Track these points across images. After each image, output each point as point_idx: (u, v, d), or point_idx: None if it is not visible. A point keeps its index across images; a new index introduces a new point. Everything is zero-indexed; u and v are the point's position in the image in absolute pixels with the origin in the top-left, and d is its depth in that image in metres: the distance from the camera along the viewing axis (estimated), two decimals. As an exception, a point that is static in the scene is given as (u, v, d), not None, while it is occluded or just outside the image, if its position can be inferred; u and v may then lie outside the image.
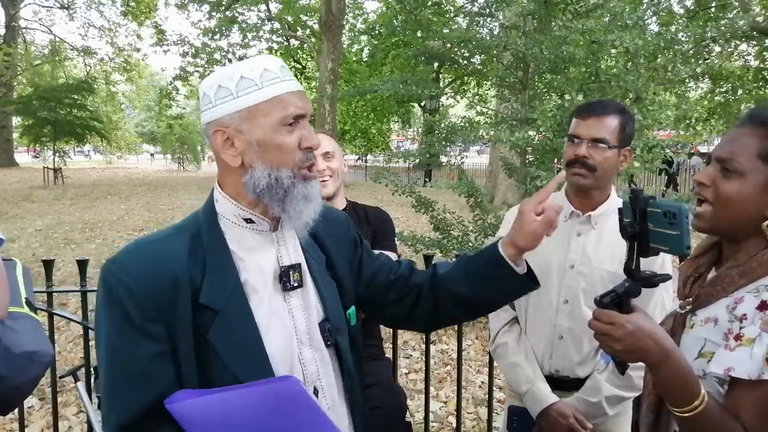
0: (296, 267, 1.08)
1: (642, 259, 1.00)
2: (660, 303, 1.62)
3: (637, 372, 1.49)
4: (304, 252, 1.13)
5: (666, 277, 1.02)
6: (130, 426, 0.94)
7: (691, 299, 1.13)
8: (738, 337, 0.99)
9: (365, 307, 1.30)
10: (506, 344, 1.76)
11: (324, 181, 2.02)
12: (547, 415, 1.63)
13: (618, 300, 0.99)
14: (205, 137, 1.06)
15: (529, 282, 1.19)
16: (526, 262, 1.19)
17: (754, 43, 16.34)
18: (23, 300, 1.25)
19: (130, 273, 0.96)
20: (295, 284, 1.07)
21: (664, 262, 1.62)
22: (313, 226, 1.09)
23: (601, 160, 1.59)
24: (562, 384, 1.70)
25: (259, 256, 1.06)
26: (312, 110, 1.08)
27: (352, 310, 1.20)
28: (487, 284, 1.18)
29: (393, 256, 2.02)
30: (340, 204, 2.10)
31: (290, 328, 1.06)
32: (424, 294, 1.24)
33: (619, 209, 1.02)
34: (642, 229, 0.97)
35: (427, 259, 2.32)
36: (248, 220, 1.05)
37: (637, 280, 0.99)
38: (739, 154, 1.04)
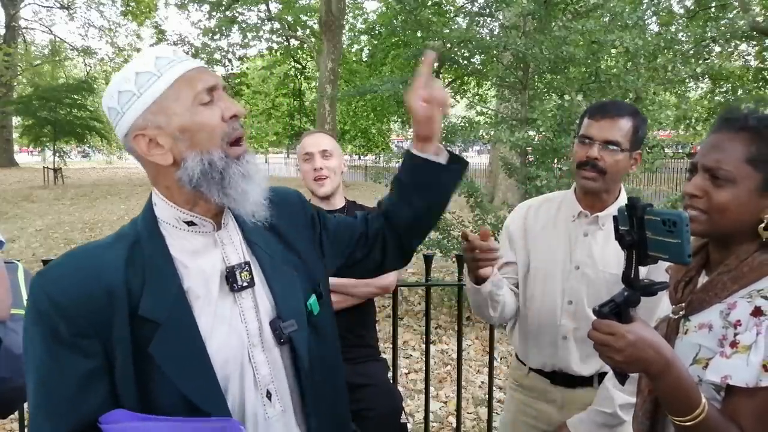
0: (244, 266, 1.02)
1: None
2: (665, 310, 1.62)
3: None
4: (254, 248, 1.07)
5: (665, 285, 1.01)
6: None
7: (683, 304, 1.12)
8: (733, 344, 0.99)
9: (339, 272, 1.28)
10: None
11: (321, 179, 2.01)
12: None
13: (617, 310, 0.97)
14: (128, 150, 0.99)
15: (457, 166, 1.21)
16: (449, 152, 1.22)
17: (754, 43, 16.34)
18: (25, 302, 1.25)
19: (58, 285, 0.89)
20: (244, 284, 1.01)
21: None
22: (265, 214, 1.03)
23: (612, 163, 1.56)
24: (566, 380, 1.70)
25: (203, 260, 0.99)
26: (222, 82, 1.01)
27: (312, 299, 1.11)
28: (424, 191, 1.20)
29: None
30: (338, 203, 2.09)
31: (241, 332, 1.00)
32: (386, 236, 1.25)
33: (614, 217, 1.00)
34: (640, 237, 0.95)
35: (427, 259, 2.31)
36: (189, 223, 0.99)
37: (636, 289, 0.97)
38: (726, 162, 1.03)
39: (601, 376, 1.68)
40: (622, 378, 1.05)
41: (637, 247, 0.96)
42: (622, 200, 1.68)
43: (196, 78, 0.95)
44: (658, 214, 0.92)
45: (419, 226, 1.27)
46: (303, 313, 1.08)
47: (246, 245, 1.06)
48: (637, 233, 0.95)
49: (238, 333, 1.00)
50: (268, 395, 1.02)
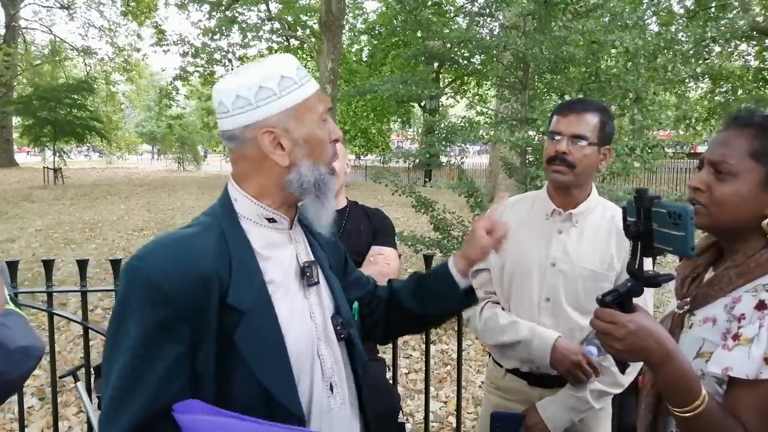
0: (314, 263, 1.10)
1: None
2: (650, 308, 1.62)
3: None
4: (314, 250, 1.15)
5: (670, 277, 1.02)
6: (144, 427, 0.90)
7: (688, 299, 1.13)
8: (736, 337, 0.99)
9: None
10: (495, 314, 1.74)
11: None
12: (555, 349, 1.62)
13: (620, 299, 0.99)
14: (231, 141, 1.03)
15: (471, 298, 1.27)
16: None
17: (754, 43, 16.36)
18: (8, 296, 1.25)
19: (159, 270, 0.92)
20: (316, 280, 1.09)
21: (645, 301, 1.59)
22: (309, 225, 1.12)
23: (580, 157, 1.60)
24: (543, 380, 1.70)
25: (281, 254, 1.06)
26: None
27: (355, 305, 1.22)
28: (437, 301, 1.25)
29: (394, 253, 2.02)
30: (340, 203, 2.10)
31: (310, 325, 1.06)
32: (384, 309, 1.30)
33: (623, 208, 1.02)
34: (646, 228, 0.96)
35: (427, 259, 2.32)
36: (270, 219, 1.06)
37: (640, 280, 0.99)
38: (730, 156, 1.05)
39: None
40: (622, 366, 1.07)
41: (643, 238, 0.97)
42: (594, 198, 1.71)
43: (321, 98, 1.05)
44: (665, 206, 0.94)
45: (411, 322, 1.33)
46: (352, 315, 1.18)
47: (309, 246, 1.15)
48: (644, 224, 0.96)
49: (308, 327, 1.05)
50: (330, 388, 1.08)
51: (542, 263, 1.67)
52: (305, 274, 1.07)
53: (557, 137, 1.63)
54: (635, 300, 1.01)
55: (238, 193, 1.05)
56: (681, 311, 1.14)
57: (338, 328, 1.11)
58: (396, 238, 2.24)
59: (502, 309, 1.76)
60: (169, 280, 0.91)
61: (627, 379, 1.65)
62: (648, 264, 1.08)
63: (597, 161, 1.65)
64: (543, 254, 1.67)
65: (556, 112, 1.69)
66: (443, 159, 5.89)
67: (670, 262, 7.00)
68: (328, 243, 1.23)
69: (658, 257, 2.36)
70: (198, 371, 0.94)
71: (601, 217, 1.69)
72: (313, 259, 1.12)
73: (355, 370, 1.15)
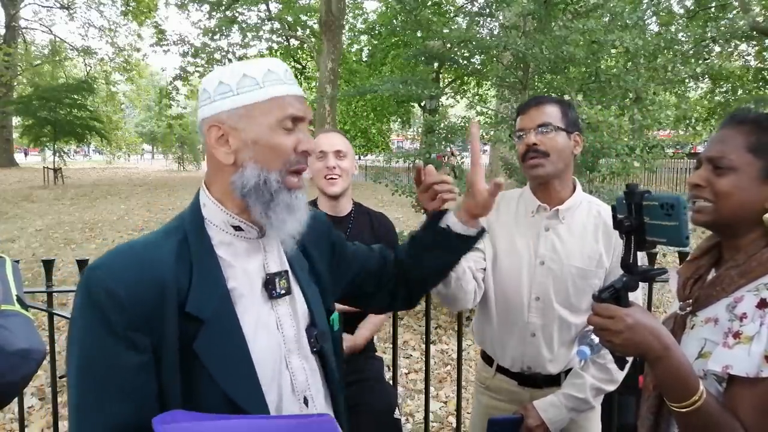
0: (282, 274, 1.05)
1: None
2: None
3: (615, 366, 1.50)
4: (289, 259, 1.11)
5: (662, 271, 1.04)
6: None
7: (691, 300, 1.13)
8: (737, 335, 1.00)
9: (349, 300, 1.33)
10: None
11: (333, 179, 2.01)
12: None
13: (616, 294, 1.00)
14: (200, 134, 1.03)
15: (479, 235, 1.27)
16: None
17: (754, 43, 16.35)
18: (14, 297, 1.25)
19: (115, 278, 0.89)
20: (282, 291, 1.04)
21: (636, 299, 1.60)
22: (293, 242, 1.07)
23: (551, 144, 1.61)
24: (534, 380, 1.70)
25: (247, 263, 1.02)
26: (312, 116, 1.07)
27: (335, 315, 1.18)
28: (443, 255, 1.26)
29: None
30: (346, 204, 2.09)
31: (277, 337, 1.02)
32: (397, 284, 1.30)
33: (613, 206, 1.03)
34: (638, 222, 0.97)
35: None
36: (236, 228, 1.02)
37: (635, 275, 1.00)
38: (728, 151, 1.06)
39: (567, 374, 1.70)
40: (621, 362, 1.07)
41: (636, 232, 0.98)
42: (579, 194, 1.71)
43: (289, 104, 1.00)
44: (657, 199, 0.95)
45: (429, 283, 1.35)
46: (328, 326, 1.14)
47: (284, 255, 1.10)
48: (636, 219, 0.97)
49: (275, 339, 1.02)
50: (305, 401, 1.05)
51: (531, 262, 1.66)
52: (267, 286, 1.03)
53: (523, 133, 1.65)
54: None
55: (206, 198, 1.03)
56: (683, 313, 1.14)
57: (312, 340, 1.07)
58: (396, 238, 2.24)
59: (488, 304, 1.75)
60: (125, 287, 0.88)
61: (621, 375, 1.66)
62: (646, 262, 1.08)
63: (570, 147, 1.65)
64: (531, 252, 1.67)
65: (516, 114, 1.72)
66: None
67: (670, 263, 7.00)
68: (319, 248, 1.20)
69: (658, 258, 2.36)
70: (163, 385, 0.90)
71: (587, 213, 1.69)
72: (285, 268, 1.07)
73: (328, 383, 1.12)
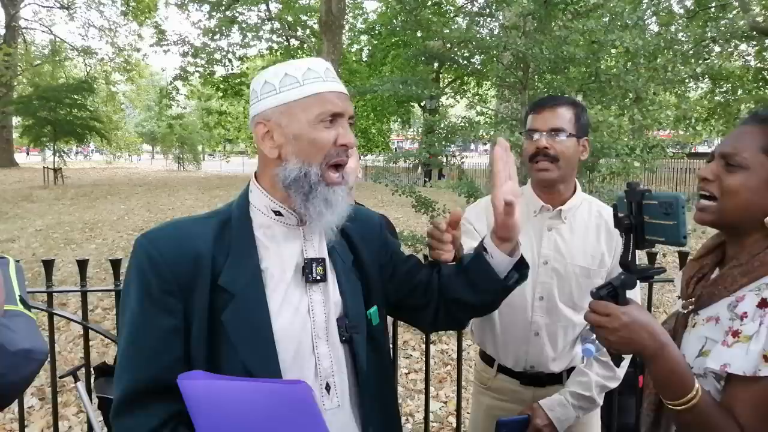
0: (320, 261, 1.11)
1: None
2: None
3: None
4: (330, 249, 1.15)
5: (660, 270, 1.04)
6: (135, 395, 0.97)
7: (693, 299, 1.13)
8: (736, 334, 1.00)
9: (396, 312, 1.32)
10: None
11: None
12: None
13: (614, 292, 1.00)
14: (252, 131, 1.12)
15: (525, 271, 1.23)
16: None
17: (754, 43, 16.34)
18: (17, 298, 1.25)
19: (156, 245, 1.01)
20: (318, 277, 1.09)
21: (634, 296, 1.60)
22: (344, 225, 1.11)
23: (561, 150, 1.61)
24: (538, 380, 1.70)
25: (283, 247, 1.09)
26: (353, 111, 1.12)
27: (374, 309, 1.18)
28: (489, 288, 1.20)
29: None
30: None
31: (306, 320, 1.07)
32: (440, 304, 1.25)
33: (614, 205, 1.03)
34: (638, 221, 0.98)
35: (427, 259, 2.31)
36: (277, 213, 1.09)
37: (633, 273, 1.00)
38: (742, 149, 1.05)
39: (570, 372, 1.70)
40: (617, 359, 1.07)
41: (635, 231, 0.98)
42: (580, 194, 1.71)
43: (330, 101, 1.06)
44: (656, 198, 0.95)
45: (467, 311, 1.27)
46: (364, 319, 1.16)
47: (324, 245, 1.15)
48: (635, 218, 0.98)
49: (303, 321, 1.07)
50: (327, 387, 1.08)
51: (534, 261, 1.66)
52: (305, 271, 1.08)
53: (535, 135, 1.63)
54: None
55: (254, 185, 1.12)
56: (686, 311, 1.14)
57: (341, 329, 1.10)
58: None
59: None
60: (163, 254, 1.00)
61: (622, 371, 1.66)
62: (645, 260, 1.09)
63: (578, 153, 1.65)
64: (534, 252, 1.67)
65: (530, 110, 1.70)
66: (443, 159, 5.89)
67: (670, 263, 7.00)
68: (367, 243, 1.21)
69: (658, 258, 2.36)
70: (191, 350, 0.99)
71: (588, 213, 1.69)
72: (322, 256, 1.12)
73: (357, 375, 1.12)
